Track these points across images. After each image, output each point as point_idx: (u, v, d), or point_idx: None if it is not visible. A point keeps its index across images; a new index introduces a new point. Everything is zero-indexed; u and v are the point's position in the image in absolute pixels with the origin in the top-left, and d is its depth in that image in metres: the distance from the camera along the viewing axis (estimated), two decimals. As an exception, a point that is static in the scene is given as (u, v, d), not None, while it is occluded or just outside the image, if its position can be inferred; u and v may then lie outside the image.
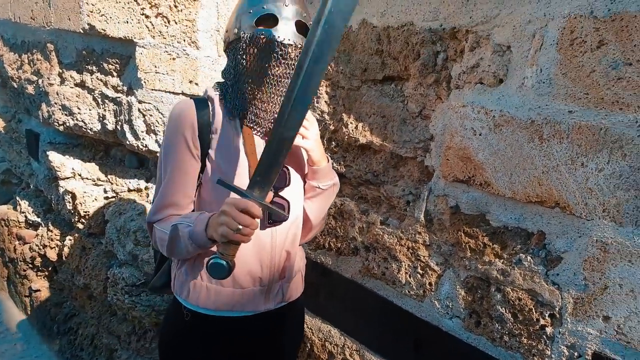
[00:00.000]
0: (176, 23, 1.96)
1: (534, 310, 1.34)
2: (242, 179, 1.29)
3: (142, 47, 2.02)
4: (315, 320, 2.04)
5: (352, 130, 1.78)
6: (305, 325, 1.97)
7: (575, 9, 1.16)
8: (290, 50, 1.21)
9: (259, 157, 1.27)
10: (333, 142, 1.88)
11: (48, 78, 2.45)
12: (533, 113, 1.26)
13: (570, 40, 1.17)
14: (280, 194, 1.34)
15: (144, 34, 2.01)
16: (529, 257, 1.35)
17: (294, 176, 1.39)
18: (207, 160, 1.31)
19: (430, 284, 1.60)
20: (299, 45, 1.22)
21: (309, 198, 1.42)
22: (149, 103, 2.10)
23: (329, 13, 1.00)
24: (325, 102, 1.87)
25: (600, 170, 1.17)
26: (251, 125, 1.30)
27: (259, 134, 1.32)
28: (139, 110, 2.13)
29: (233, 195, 1.18)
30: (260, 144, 1.32)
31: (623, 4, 1.08)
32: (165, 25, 1.98)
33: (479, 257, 1.46)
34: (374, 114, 1.71)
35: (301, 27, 1.25)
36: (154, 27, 1.99)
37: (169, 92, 2.06)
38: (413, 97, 1.58)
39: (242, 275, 1.35)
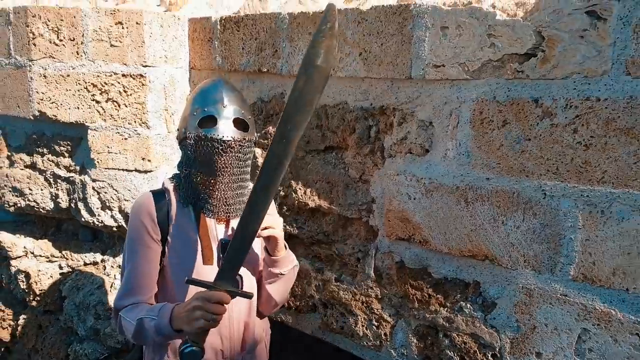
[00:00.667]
0: (126, 106, 2.06)
1: (478, 352, 1.50)
2: (196, 258, 1.43)
3: (94, 130, 2.10)
4: (282, 377, 2.11)
5: (302, 196, 1.92)
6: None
7: (481, 94, 1.37)
8: (231, 144, 1.38)
9: (211, 236, 1.44)
10: (284, 207, 2.00)
11: (-4, 161, 2.45)
12: (457, 180, 1.45)
13: (480, 119, 1.38)
14: None
15: (95, 118, 2.09)
16: (468, 305, 1.51)
17: (248, 254, 1.49)
18: (165, 245, 1.44)
19: (385, 334, 1.73)
20: (238, 139, 1.39)
21: (272, 282, 1.53)
22: (103, 181, 2.16)
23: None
24: (275, 171, 2.00)
25: (518, 227, 1.36)
26: (204, 211, 1.45)
27: (212, 216, 1.46)
28: (93, 188, 2.19)
29: (199, 289, 1.30)
30: (212, 225, 1.46)
31: (517, 92, 1.30)
32: (116, 109, 2.07)
33: (426, 307, 1.61)
34: (319, 180, 1.86)
35: (239, 124, 1.42)
36: (104, 111, 2.07)
37: (123, 169, 2.13)
38: (353, 164, 1.75)
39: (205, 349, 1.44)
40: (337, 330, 1.86)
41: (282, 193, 1.99)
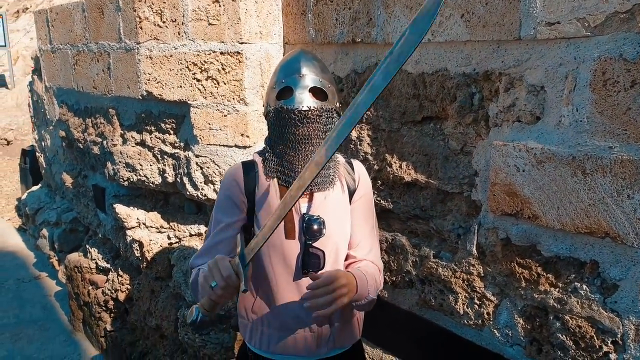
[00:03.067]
0: (225, 84, 2.12)
1: (595, 338, 1.38)
2: (278, 233, 1.40)
3: (196, 107, 2.20)
4: (376, 350, 2.11)
5: (397, 169, 1.86)
6: (367, 355, 2.05)
7: (604, 52, 1.22)
8: (308, 114, 1.35)
9: (294, 210, 1.41)
10: (378, 181, 1.97)
11: (112, 139, 2.67)
12: (573, 150, 1.32)
13: (603, 81, 1.23)
14: (315, 244, 1.42)
15: (197, 96, 2.18)
16: (584, 286, 1.38)
17: (332, 227, 1.44)
18: (253, 215, 1.47)
19: (488, 313, 1.65)
20: (315, 108, 1.36)
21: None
22: (205, 157, 2.26)
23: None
24: (368, 144, 1.96)
25: (647, 201, 1.21)
26: (284, 184, 1.44)
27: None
28: (196, 163, 2.30)
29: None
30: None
31: (651, 46, 1.13)
32: (216, 87, 2.14)
33: (534, 287, 1.50)
34: (416, 153, 1.80)
35: (317, 92, 1.39)
36: (205, 89, 2.16)
37: (223, 145, 2.22)
38: (453, 135, 1.66)
39: (290, 319, 1.46)
40: (436, 307, 1.81)
41: (376, 167, 1.95)
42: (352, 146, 2.02)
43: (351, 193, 1.51)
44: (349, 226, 1.49)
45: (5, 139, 9.39)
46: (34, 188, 5.47)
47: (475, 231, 1.65)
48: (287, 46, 2.27)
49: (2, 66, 11.76)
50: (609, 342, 1.35)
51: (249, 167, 1.49)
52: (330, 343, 1.51)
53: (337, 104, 1.46)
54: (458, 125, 1.64)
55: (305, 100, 1.36)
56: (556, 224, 1.40)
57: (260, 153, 1.52)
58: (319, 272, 1.39)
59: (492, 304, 1.64)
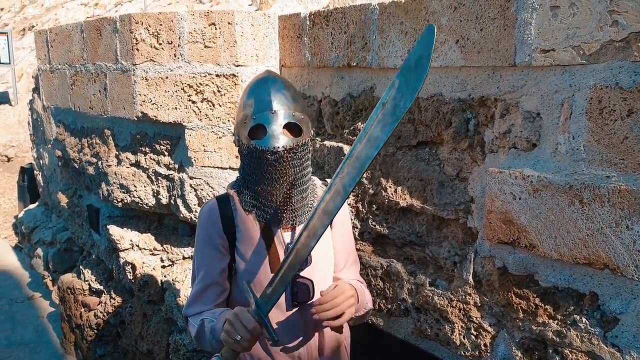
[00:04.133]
0: (220, 106, 2.11)
1: (596, 373, 1.33)
2: (263, 265, 1.40)
3: (191, 129, 2.18)
4: (372, 380, 2.05)
5: (392, 194, 1.83)
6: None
7: (600, 80, 1.19)
8: (284, 154, 1.31)
9: (277, 243, 1.40)
10: (373, 205, 1.93)
11: (106, 160, 2.65)
12: (570, 178, 1.28)
13: (600, 109, 1.20)
14: (302, 274, 1.39)
15: (192, 118, 2.17)
16: (584, 319, 1.34)
17: (319, 257, 1.43)
18: (235, 252, 1.43)
19: (485, 345, 1.60)
20: (292, 146, 1.32)
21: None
22: (200, 178, 2.24)
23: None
24: (365, 168, 1.94)
25: (646, 232, 1.17)
26: (261, 219, 1.41)
27: (276, 225, 1.41)
28: (190, 185, 2.27)
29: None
30: (278, 231, 1.43)
31: (648, 75, 1.11)
32: (211, 109, 2.13)
33: (532, 318, 1.46)
34: (411, 178, 1.77)
35: (291, 127, 1.35)
36: (200, 111, 2.15)
37: (218, 167, 2.19)
38: (449, 161, 1.63)
39: (278, 353, 1.43)
40: (432, 337, 1.76)
41: (371, 191, 1.92)
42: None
43: None
44: (332, 251, 1.47)
45: (6, 156, 9.40)
46: (31, 206, 5.44)
47: (472, 259, 1.61)
48: (284, 69, 2.26)
49: (6, 83, 11.86)
50: (610, 378, 1.30)
51: (223, 202, 1.45)
52: None
53: (312, 131, 1.43)
54: (453, 151, 1.61)
55: (280, 140, 1.31)
56: (554, 254, 1.36)
57: (235, 185, 1.48)
58: (309, 302, 1.36)
59: (489, 334, 1.59)
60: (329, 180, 1.56)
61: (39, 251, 4.68)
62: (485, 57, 1.44)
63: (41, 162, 4.97)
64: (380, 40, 1.75)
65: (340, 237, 1.53)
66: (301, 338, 1.44)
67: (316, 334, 1.47)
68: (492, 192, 1.48)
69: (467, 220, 1.61)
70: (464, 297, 1.64)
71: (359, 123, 1.92)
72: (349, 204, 2.01)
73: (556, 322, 1.40)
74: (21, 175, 6.12)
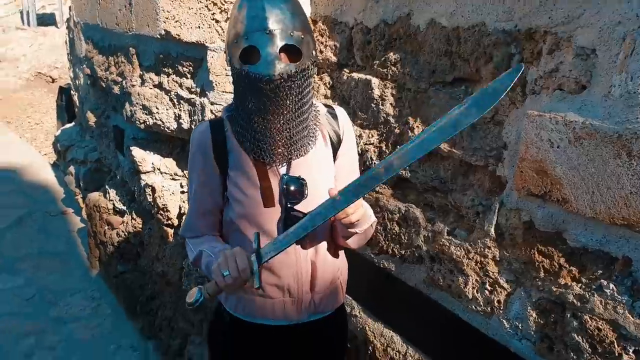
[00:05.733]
0: (244, 26, 1.98)
1: (615, 344, 1.21)
2: (257, 198, 1.32)
3: (213, 50, 2.07)
4: (377, 324, 2.00)
5: (419, 135, 1.69)
6: (367, 328, 1.96)
7: (675, 9, 1.00)
8: (281, 82, 1.15)
9: (271, 175, 1.31)
10: (398, 146, 1.80)
11: (130, 79, 2.59)
12: (621, 126, 1.12)
13: (669, 45, 1.02)
14: (297, 208, 1.31)
15: (215, 38, 2.05)
16: (611, 285, 1.21)
17: (316, 187, 1.33)
18: (227, 179, 1.34)
19: (499, 301, 1.50)
20: (289, 72, 1.16)
21: (346, 237, 1.40)
22: (220, 104, 2.15)
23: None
24: (391, 104, 1.80)
25: (702, 194, 1.01)
26: (255, 156, 1.29)
27: (271, 160, 1.30)
28: (211, 111, 2.19)
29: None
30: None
31: None
32: (234, 29, 2.00)
33: (554, 279, 1.34)
34: (442, 118, 1.62)
35: (290, 50, 1.18)
36: (223, 32, 2.02)
37: (238, 93, 2.09)
38: (485, 101, 1.47)
39: (269, 285, 1.38)
40: (444, 287, 1.67)
41: (397, 131, 1.79)
42: (373, 106, 1.85)
43: (335, 147, 1.38)
44: (332, 181, 1.37)
45: (51, 77, 9.58)
46: (68, 125, 5.54)
47: (496, 210, 1.48)
48: (317, -8, 2.08)
49: (53, 5, 11.92)
50: (631, 350, 1.18)
51: (217, 125, 1.34)
52: (311, 309, 1.43)
53: (314, 52, 1.25)
54: (490, 90, 1.45)
55: (277, 66, 1.15)
56: (588, 211, 1.21)
57: (229, 110, 1.36)
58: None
59: (504, 291, 1.48)
60: (338, 108, 1.44)
61: (72, 169, 4.80)
62: (539, -20, 1.24)
63: (77, 82, 4.99)
64: (423, -40, 1.56)
65: (346, 169, 1.44)
66: (293, 271, 1.38)
67: (309, 268, 1.40)
68: (527, 138, 1.33)
69: (496, 168, 1.47)
70: (482, 249, 1.52)
71: (391, 53, 1.75)
72: (372, 144, 1.88)
73: (580, 285, 1.28)
74: (60, 95, 6.22)
